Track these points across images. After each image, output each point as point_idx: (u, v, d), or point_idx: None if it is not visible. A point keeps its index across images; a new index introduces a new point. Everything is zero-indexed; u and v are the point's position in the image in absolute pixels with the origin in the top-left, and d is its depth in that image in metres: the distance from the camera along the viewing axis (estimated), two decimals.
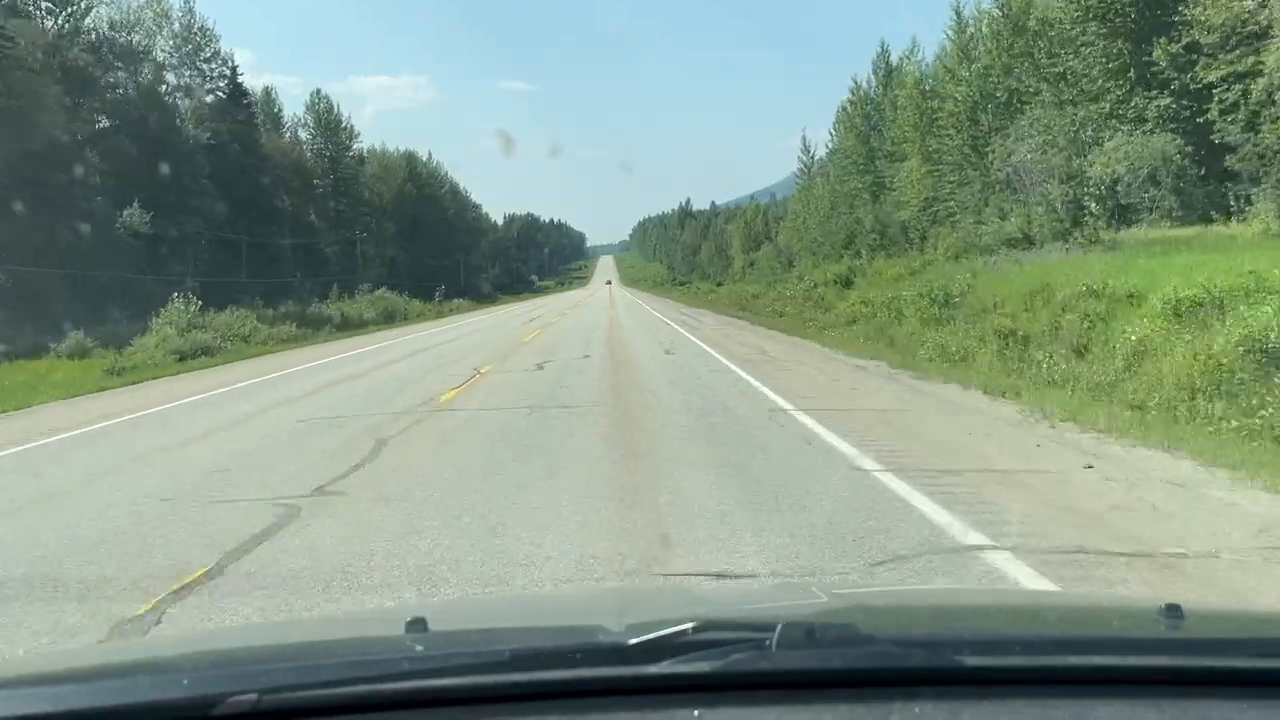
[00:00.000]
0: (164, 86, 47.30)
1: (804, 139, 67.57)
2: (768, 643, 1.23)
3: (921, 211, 40.95)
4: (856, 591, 3.00)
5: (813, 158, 69.30)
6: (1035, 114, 30.29)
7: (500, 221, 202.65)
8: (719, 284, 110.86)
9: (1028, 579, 4.55)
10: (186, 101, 46.38)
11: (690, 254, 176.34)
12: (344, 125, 74.31)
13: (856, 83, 54.57)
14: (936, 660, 1.26)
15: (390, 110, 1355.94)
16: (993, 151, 34.21)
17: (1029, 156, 30.57)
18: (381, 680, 1.23)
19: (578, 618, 1.90)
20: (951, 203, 37.61)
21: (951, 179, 37.90)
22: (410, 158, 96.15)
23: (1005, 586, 4.43)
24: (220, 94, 51.44)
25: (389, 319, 39.24)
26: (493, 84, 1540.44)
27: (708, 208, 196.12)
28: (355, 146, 75.86)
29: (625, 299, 77.59)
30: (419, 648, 1.36)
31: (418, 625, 1.44)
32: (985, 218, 33.76)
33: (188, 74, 50.02)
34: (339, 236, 69.54)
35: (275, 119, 68.81)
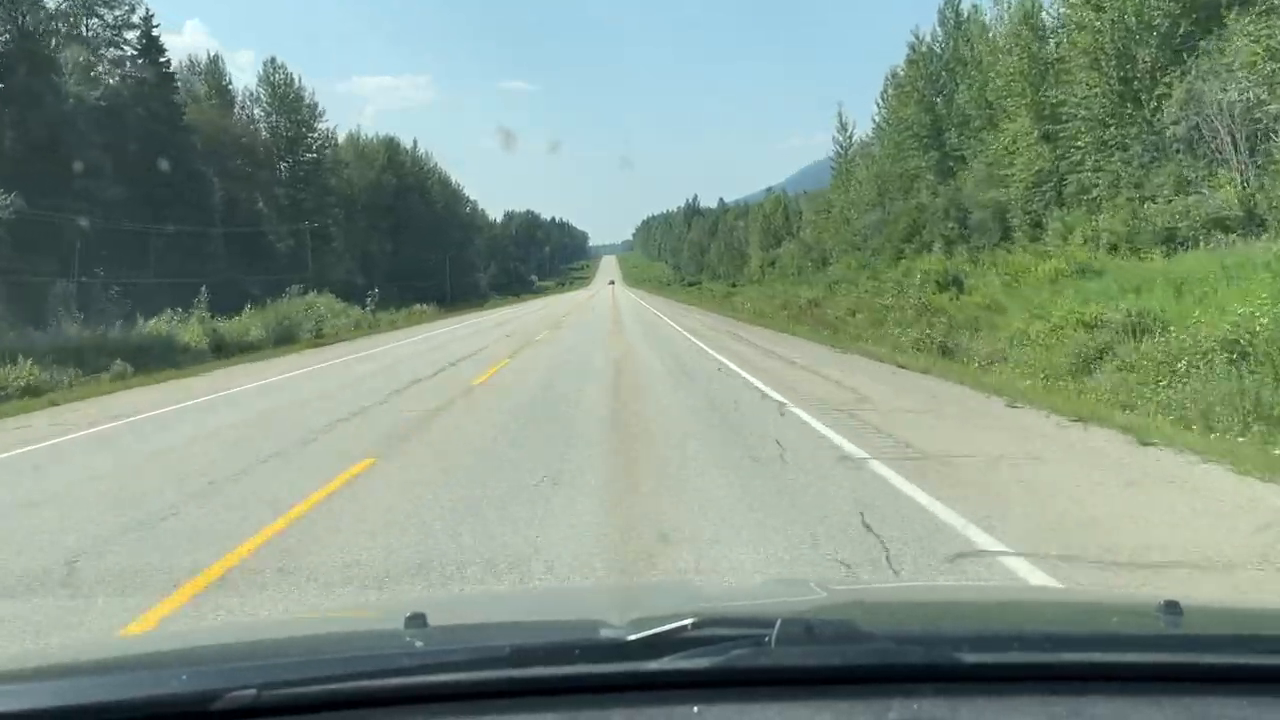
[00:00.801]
0: (54, 39, 37.31)
1: (840, 117, 57.60)
2: (767, 639, 1.22)
3: (1033, 189, 30.72)
4: (855, 588, 2.91)
5: (850, 138, 59.04)
6: (1254, 28, 20.02)
7: (500, 219, 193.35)
8: (734, 284, 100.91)
9: None
10: (71, 53, 36.10)
11: (698, 253, 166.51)
12: (307, 102, 64.16)
13: (917, 38, 44.38)
14: (935, 657, 1.25)
15: (391, 110, 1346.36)
16: (1164, 96, 23.93)
17: (1242, 96, 20.35)
18: (381, 676, 1.22)
19: (577, 613, 1.86)
20: (1088, 174, 27.35)
21: (1083, 140, 27.65)
22: (390, 144, 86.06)
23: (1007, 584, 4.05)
24: (129, 49, 41.41)
25: (289, 338, 28.29)
26: (494, 84, 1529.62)
27: (715, 205, 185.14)
28: (321, 127, 65.58)
29: (632, 303, 67.55)
30: (418, 643, 1.35)
31: (417, 621, 1.41)
32: (1153, 191, 23.57)
33: (88, 24, 39.88)
34: (296, 228, 59.45)
35: (222, 91, 58.74)
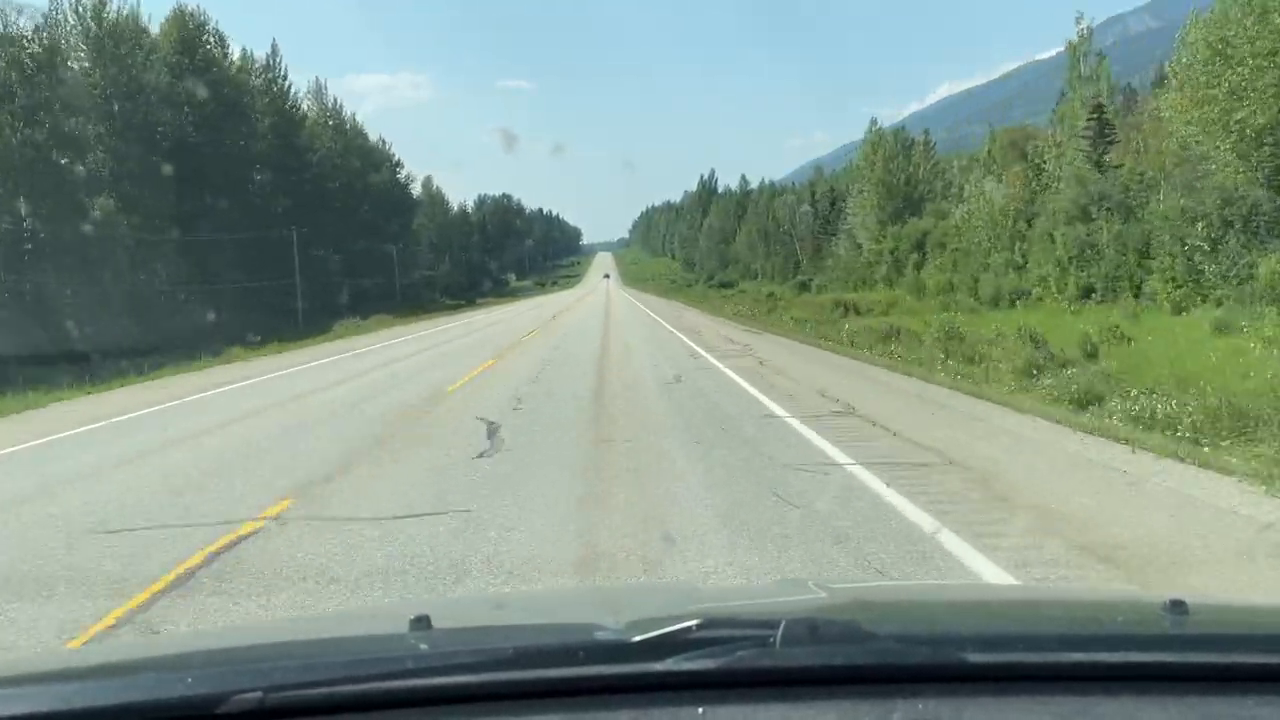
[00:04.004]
0: None
1: None
2: (771, 640, 1.22)
3: None
4: (856, 587, 2.87)
5: None
6: None
7: (469, 205, 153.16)
8: (807, 285, 61.41)
9: None
10: None
11: (719, 243, 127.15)
12: None
13: None
14: (940, 657, 1.25)
15: (389, 109, 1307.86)
16: None
17: None
18: (386, 678, 1.22)
19: (581, 615, 1.84)
20: None
21: None
22: (181, 20, 45.79)
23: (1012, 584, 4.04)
24: None
25: None
26: (493, 83, 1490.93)
27: (737, 186, 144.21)
28: None
29: (649, 334, 27.69)
30: (423, 646, 1.34)
31: (422, 623, 1.41)
32: None
33: None
34: None
35: None
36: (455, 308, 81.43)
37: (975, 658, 1.23)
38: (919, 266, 39.88)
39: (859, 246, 50.23)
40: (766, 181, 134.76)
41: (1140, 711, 1.17)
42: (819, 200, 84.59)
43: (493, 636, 1.52)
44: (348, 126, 72.40)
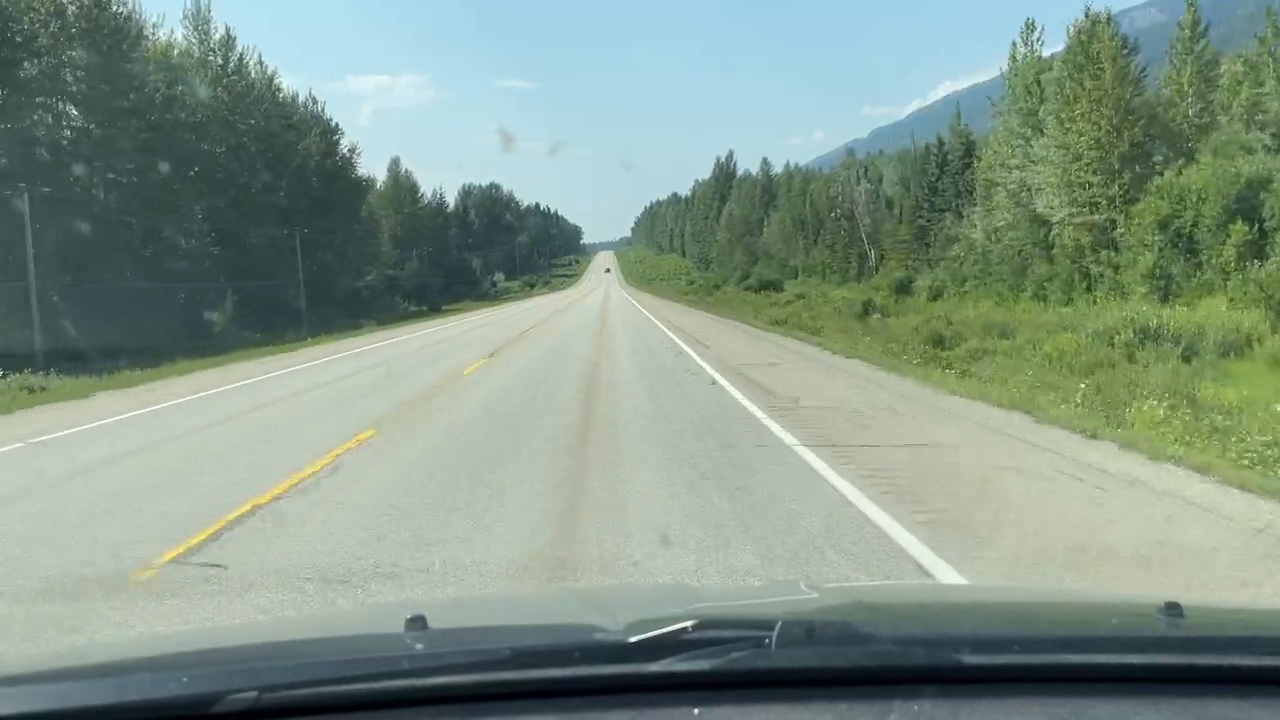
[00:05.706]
0: None
1: None
2: (767, 641, 1.21)
3: None
4: (850, 588, 2.78)
5: None
6: None
7: (449, 195, 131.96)
8: (905, 285, 41.41)
9: None
10: None
11: (742, 234, 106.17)
12: None
13: None
14: (936, 659, 1.24)
15: (388, 109, 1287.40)
16: None
17: None
18: (381, 678, 1.22)
19: (577, 616, 1.81)
20: None
21: None
22: None
23: (1007, 585, 3.95)
24: None
25: None
26: (493, 82, 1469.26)
27: (759, 171, 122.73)
28: None
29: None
30: (419, 646, 1.33)
31: (417, 623, 1.39)
32: None
33: None
34: None
35: None
36: (413, 317, 61.26)
37: (971, 659, 1.22)
38: (1255, 252, 19.16)
39: (1034, 219, 29.49)
40: (793, 164, 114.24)
41: (1135, 713, 1.16)
42: (912, 165, 63.91)
43: (489, 637, 1.50)
44: (252, 73, 51.79)
